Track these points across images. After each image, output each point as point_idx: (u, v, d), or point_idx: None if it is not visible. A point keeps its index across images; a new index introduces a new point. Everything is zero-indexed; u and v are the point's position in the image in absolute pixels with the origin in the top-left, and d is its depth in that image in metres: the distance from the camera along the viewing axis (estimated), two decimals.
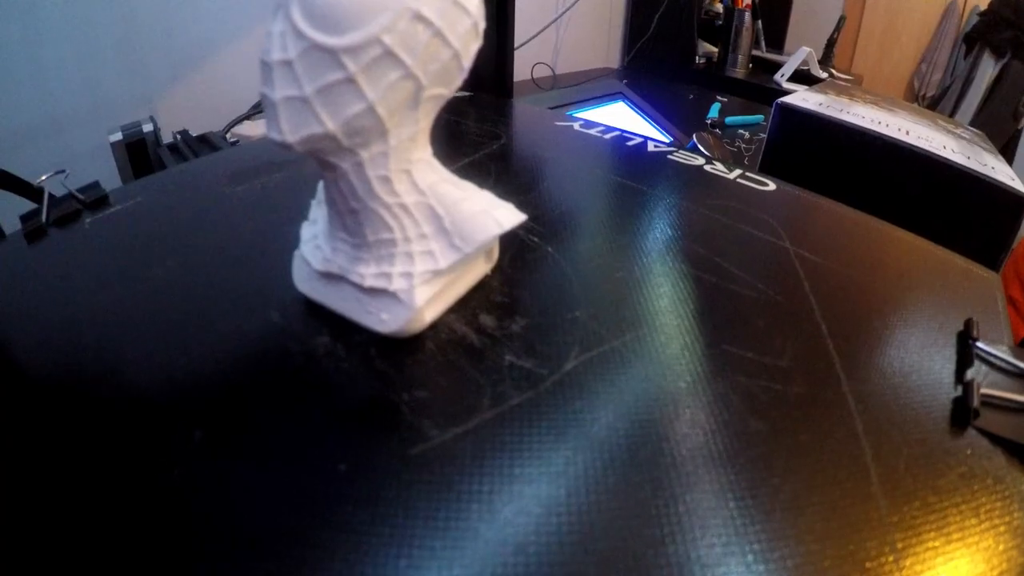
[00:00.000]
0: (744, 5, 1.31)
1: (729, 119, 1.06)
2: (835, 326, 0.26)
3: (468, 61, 0.21)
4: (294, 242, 0.31)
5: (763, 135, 1.00)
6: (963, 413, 0.23)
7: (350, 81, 0.19)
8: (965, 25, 1.70)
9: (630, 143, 0.45)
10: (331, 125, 0.20)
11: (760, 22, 1.35)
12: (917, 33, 1.82)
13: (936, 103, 1.62)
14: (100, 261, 0.32)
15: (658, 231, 0.32)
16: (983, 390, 0.24)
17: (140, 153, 0.60)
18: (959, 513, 0.19)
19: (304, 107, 0.20)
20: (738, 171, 0.41)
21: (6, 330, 0.26)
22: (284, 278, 0.27)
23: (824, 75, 1.37)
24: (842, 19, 1.40)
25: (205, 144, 0.63)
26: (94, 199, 0.38)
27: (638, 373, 0.21)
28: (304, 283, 0.26)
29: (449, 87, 0.21)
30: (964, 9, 1.73)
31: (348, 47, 0.19)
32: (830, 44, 1.48)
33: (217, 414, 0.20)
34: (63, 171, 0.38)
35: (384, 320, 0.22)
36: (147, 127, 0.61)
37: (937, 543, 0.17)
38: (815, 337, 0.25)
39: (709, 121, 1.06)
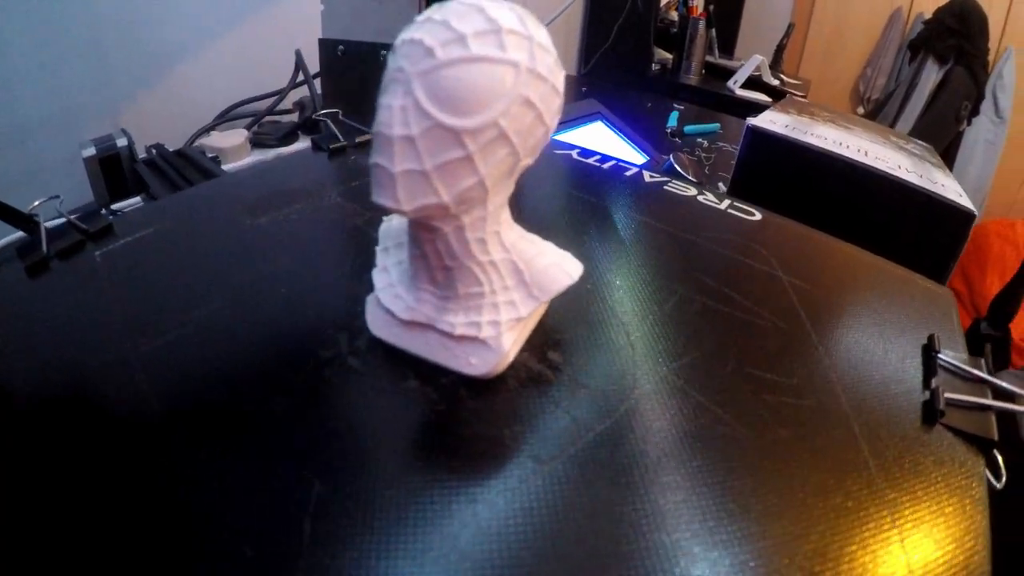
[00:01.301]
0: (699, 14, 1.42)
1: (688, 128, 1.15)
2: (829, 347, 0.34)
3: (551, 134, 0.26)
4: (344, 282, 0.34)
5: (721, 143, 1.11)
6: (931, 414, 0.31)
7: (468, 159, 0.22)
8: (909, 32, 1.89)
9: (628, 173, 0.52)
10: (446, 197, 0.23)
11: (714, 30, 1.47)
12: (862, 39, 2.01)
13: (881, 107, 1.80)
14: (128, 301, 0.33)
15: (673, 265, 0.39)
16: (946, 395, 0.32)
17: (114, 169, 0.61)
18: (935, 489, 0.26)
19: (422, 180, 0.22)
20: (727, 201, 0.49)
21: (28, 379, 0.27)
22: (347, 321, 0.31)
23: (775, 81, 1.50)
24: (791, 26, 1.54)
25: (184, 160, 0.65)
26: (98, 229, 0.38)
27: (691, 396, 0.28)
28: (382, 329, 0.29)
29: (535, 157, 0.26)
30: (908, 17, 1.93)
31: (470, 129, 0.22)
32: (779, 50, 1.62)
33: (329, 464, 0.23)
34: (57, 196, 0.39)
35: (473, 364, 0.27)
36: (120, 141, 0.62)
37: (920, 510, 0.25)
38: (815, 357, 0.33)
39: (669, 130, 1.15)
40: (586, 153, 0.56)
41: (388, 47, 0.65)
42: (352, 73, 0.69)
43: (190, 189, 0.50)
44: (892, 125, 1.69)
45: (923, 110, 1.66)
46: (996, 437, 0.30)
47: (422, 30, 0.22)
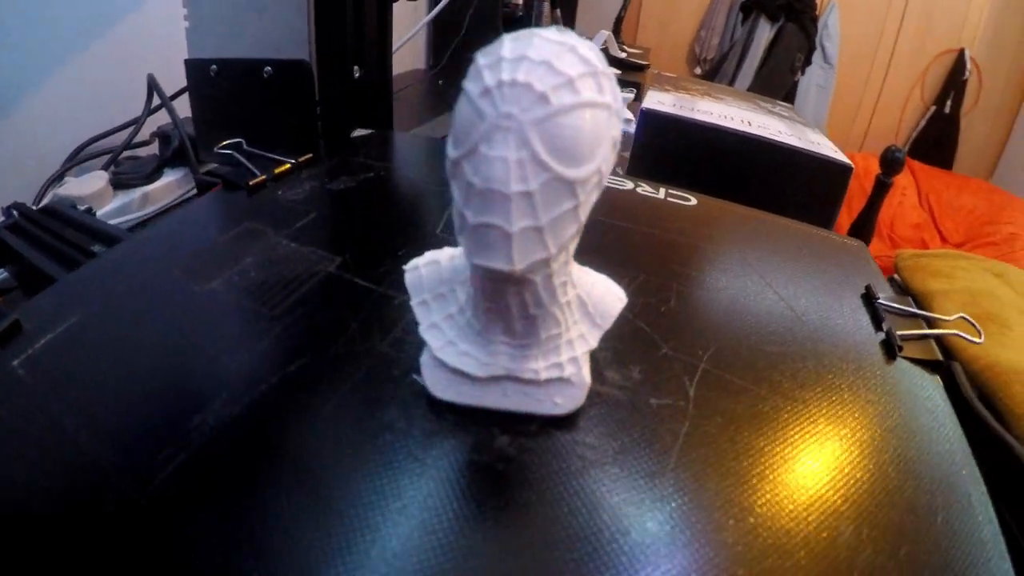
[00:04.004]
0: None
1: None
2: (799, 312, 0.41)
3: None
4: (360, 345, 0.33)
5: None
6: (891, 350, 0.39)
7: (576, 208, 0.22)
8: None
9: None
10: (553, 250, 0.23)
11: (559, 10, 1.56)
12: (694, 4, 2.24)
13: (718, 66, 2.02)
14: (91, 422, 0.27)
15: (655, 262, 0.44)
16: (898, 332, 0.40)
17: None
18: (905, 398, 0.35)
19: (537, 236, 0.22)
20: (663, 191, 0.55)
21: None
22: (390, 392, 0.29)
23: (622, 53, 1.63)
24: None
25: (54, 218, 0.59)
26: (2, 329, 0.32)
27: (731, 382, 0.33)
28: (447, 391, 0.29)
29: None
30: None
31: (582, 178, 0.22)
32: (618, 21, 1.75)
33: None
34: None
35: (558, 403, 0.28)
36: None
37: (901, 409, 0.34)
38: (798, 323, 0.39)
39: None
40: None
41: (272, 63, 0.63)
42: (229, 95, 0.66)
43: (96, 260, 0.45)
44: (731, 83, 1.92)
45: (759, 66, 1.90)
46: (942, 358, 0.39)
47: (522, 70, 0.21)
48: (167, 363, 0.32)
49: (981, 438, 0.35)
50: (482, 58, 0.22)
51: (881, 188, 0.76)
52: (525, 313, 0.26)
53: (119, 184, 0.71)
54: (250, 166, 0.54)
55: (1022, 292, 0.63)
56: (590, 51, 0.22)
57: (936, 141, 2.29)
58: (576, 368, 0.28)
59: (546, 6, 1.49)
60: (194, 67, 0.65)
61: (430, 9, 1.50)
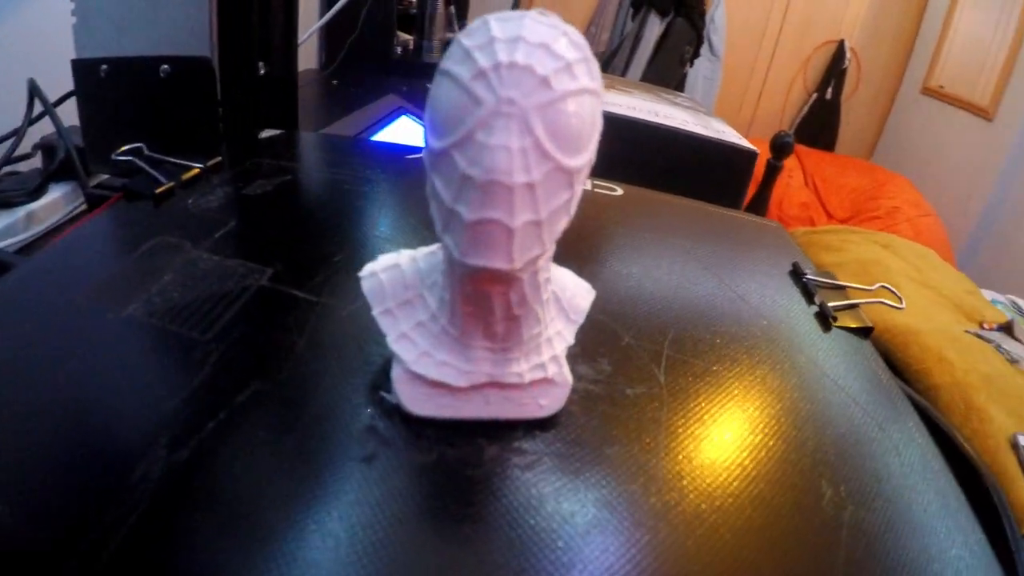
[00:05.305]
0: None
1: None
2: (739, 292, 0.41)
3: None
4: (309, 363, 0.29)
5: None
6: (825, 321, 0.40)
7: (570, 200, 0.21)
8: None
9: None
10: (548, 244, 0.21)
11: (453, 7, 1.52)
12: (584, 1, 2.27)
13: (609, 60, 2.06)
14: (9, 493, 0.22)
15: (596, 253, 0.43)
16: (829, 304, 0.41)
17: None
18: (849, 364, 0.36)
19: (535, 231, 0.20)
20: (590, 181, 0.54)
21: None
22: (354, 417, 0.26)
23: None
24: None
25: None
26: None
27: (696, 365, 0.32)
28: (425, 405, 0.26)
29: None
30: None
31: (579, 167, 0.20)
32: None
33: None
34: None
35: (543, 405, 0.26)
36: None
37: (849, 374, 0.35)
38: (740, 302, 0.40)
39: None
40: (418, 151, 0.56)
41: (170, 60, 0.57)
42: (122, 98, 0.59)
43: None
44: (623, 75, 1.96)
45: (650, 59, 1.95)
46: (871, 325, 0.41)
47: (520, 52, 0.19)
48: (90, 408, 0.27)
49: None
50: (467, 39, 0.20)
51: (772, 171, 0.80)
52: (509, 314, 0.24)
53: (0, 203, 0.62)
54: (155, 173, 0.48)
55: (909, 260, 0.68)
56: (577, 35, 0.20)
57: (819, 125, 2.46)
58: (558, 367, 0.27)
59: (440, 3, 1.45)
60: (82, 68, 0.58)
61: (321, 7, 1.43)
